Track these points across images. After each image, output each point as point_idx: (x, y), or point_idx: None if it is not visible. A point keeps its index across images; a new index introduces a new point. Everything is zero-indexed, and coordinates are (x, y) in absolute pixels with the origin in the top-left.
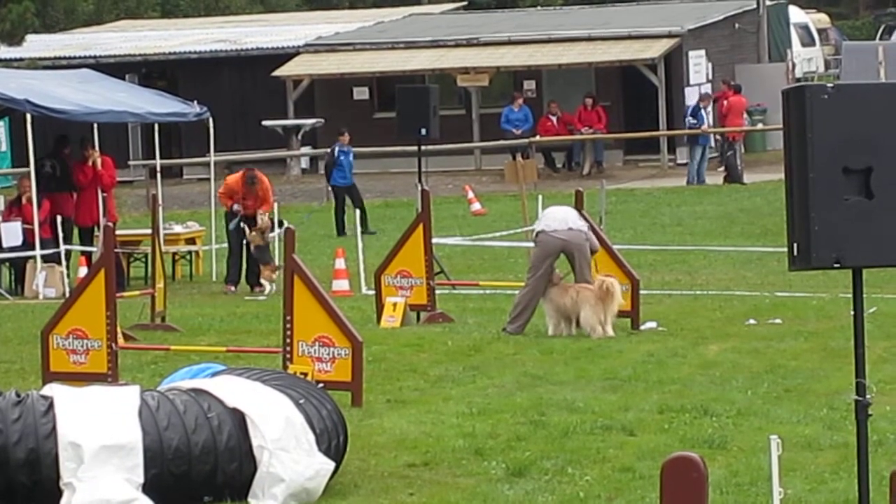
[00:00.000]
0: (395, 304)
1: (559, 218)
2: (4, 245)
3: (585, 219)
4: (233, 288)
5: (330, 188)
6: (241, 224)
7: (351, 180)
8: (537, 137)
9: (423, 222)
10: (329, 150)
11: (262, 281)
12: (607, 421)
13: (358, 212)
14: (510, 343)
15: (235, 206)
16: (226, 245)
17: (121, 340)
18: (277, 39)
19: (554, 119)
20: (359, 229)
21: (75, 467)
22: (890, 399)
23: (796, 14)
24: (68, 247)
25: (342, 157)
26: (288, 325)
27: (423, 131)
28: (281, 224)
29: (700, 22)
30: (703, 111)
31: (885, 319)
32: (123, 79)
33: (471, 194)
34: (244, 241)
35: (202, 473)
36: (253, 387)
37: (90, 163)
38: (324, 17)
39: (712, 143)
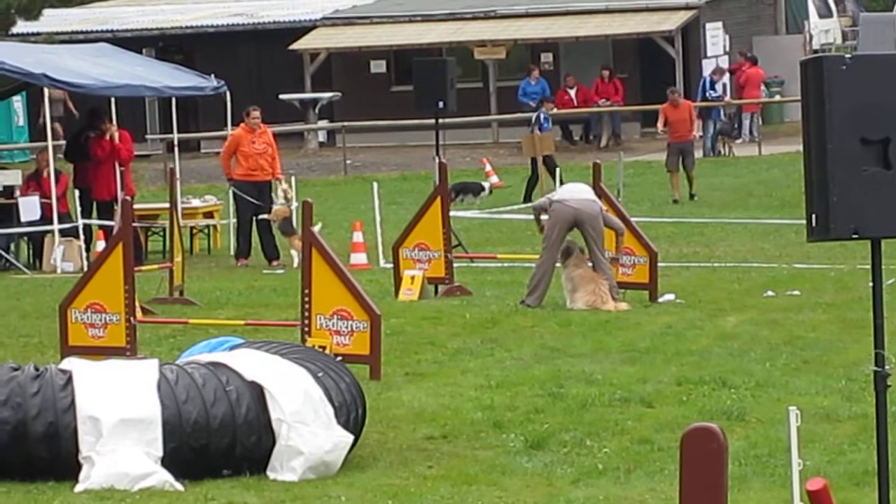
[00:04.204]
0: (412, 278)
1: (573, 189)
2: (23, 219)
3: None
4: (245, 261)
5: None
6: (242, 194)
7: None
8: (554, 110)
9: (441, 195)
10: (535, 115)
11: (292, 252)
12: (625, 393)
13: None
14: (528, 316)
15: (231, 188)
16: None
17: (139, 314)
18: (294, 13)
19: (571, 92)
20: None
21: (94, 441)
22: None
23: None
24: (86, 221)
25: (546, 124)
26: (306, 299)
27: (441, 104)
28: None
29: None
30: (717, 84)
31: None
32: (140, 53)
33: (488, 167)
34: (253, 215)
35: (221, 447)
36: (271, 360)
37: (107, 137)
38: None
39: (722, 117)
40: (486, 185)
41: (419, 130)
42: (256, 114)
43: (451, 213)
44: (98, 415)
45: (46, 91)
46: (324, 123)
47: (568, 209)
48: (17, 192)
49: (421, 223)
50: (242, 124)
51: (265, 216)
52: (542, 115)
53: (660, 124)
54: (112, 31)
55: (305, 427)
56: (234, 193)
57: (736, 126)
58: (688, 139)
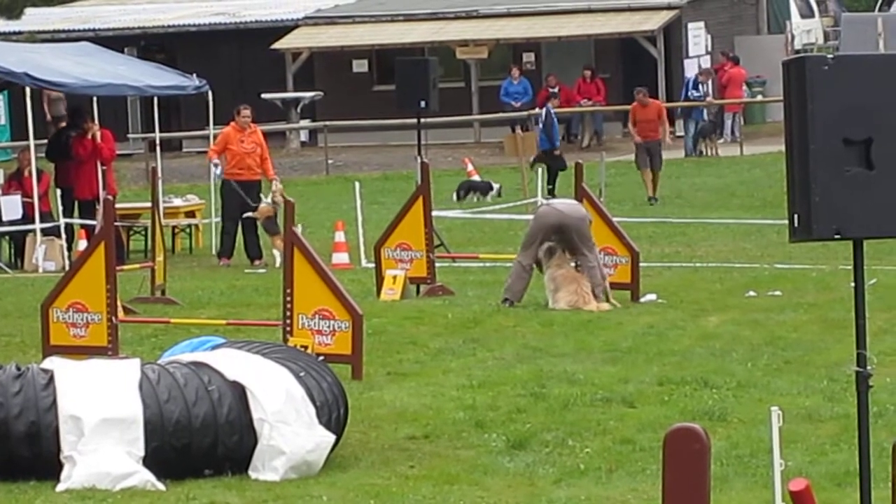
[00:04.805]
0: (394, 277)
1: (563, 200)
2: (4, 218)
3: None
4: (227, 260)
5: (543, 152)
6: (234, 188)
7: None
8: (536, 110)
9: (423, 195)
10: (543, 111)
11: (275, 251)
12: (607, 393)
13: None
14: (510, 315)
15: (215, 161)
16: None
17: (121, 314)
18: (276, 12)
19: (554, 92)
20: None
21: (76, 440)
22: (890, 371)
23: None
24: (68, 220)
25: (555, 119)
26: (288, 299)
27: (423, 104)
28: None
29: None
30: (701, 85)
31: (886, 291)
32: (122, 52)
33: (470, 167)
34: (241, 215)
35: (203, 446)
36: (253, 360)
37: (89, 136)
38: None
39: (705, 117)
40: (496, 184)
41: (401, 130)
42: (247, 112)
43: (434, 213)
44: (80, 414)
45: (28, 90)
46: (306, 123)
47: (553, 212)
48: None
49: (403, 223)
50: (233, 122)
51: (251, 214)
52: (551, 112)
53: (630, 124)
54: (94, 30)
55: (287, 427)
56: (223, 188)
57: (718, 126)
58: (654, 139)
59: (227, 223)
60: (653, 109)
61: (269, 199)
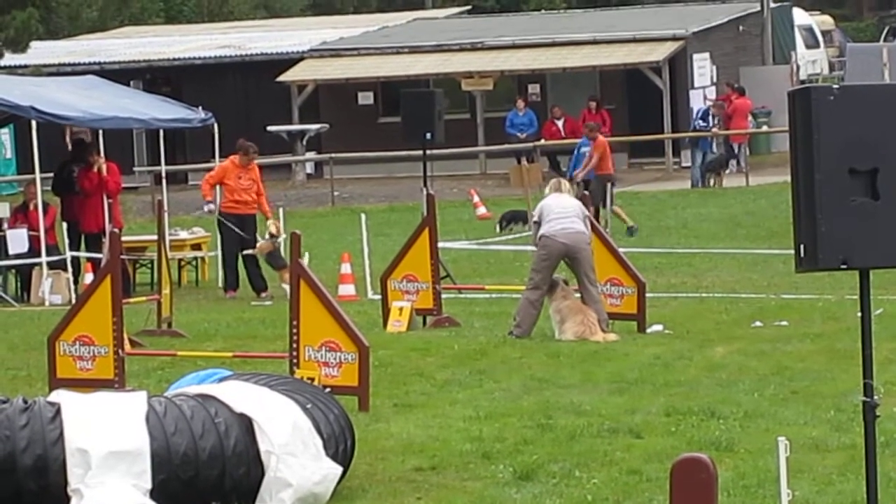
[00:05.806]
0: (401, 309)
1: (561, 216)
2: (10, 252)
3: (586, 213)
4: (233, 293)
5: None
6: (229, 224)
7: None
8: (542, 141)
9: (429, 226)
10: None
11: (283, 286)
12: (614, 424)
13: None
14: (516, 347)
15: (208, 206)
16: None
17: (127, 346)
18: (282, 45)
19: (559, 123)
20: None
21: (83, 473)
22: None
23: (800, 16)
24: (74, 253)
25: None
26: (294, 331)
27: (428, 136)
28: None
29: (704, 25)
30: (712, 118)
31: (892, 321)
32: (128, 85)
33: (476, 198)
34: (238, 248)
35: (210, 479)
36: (260, 392)
37: (95, 169)
38: (328, 22)
39: (713, 149)
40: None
41: (407, 162)
42: (255, 154)
43: (440, 245)
44: (87, 447)
45: (34, 124)
46: (311, 155)
47: (558, 244)
48: (5, 225)
49: (409, 254)
50: (234, 157)
51: (250, 251)
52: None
53: None
54: (100, 63)
55: (294, 459)
56: (219, 222)
57: (728, 154)
58: (606, 172)
59: (227, 257)
60: (598, 145)
61: (266, 236)
